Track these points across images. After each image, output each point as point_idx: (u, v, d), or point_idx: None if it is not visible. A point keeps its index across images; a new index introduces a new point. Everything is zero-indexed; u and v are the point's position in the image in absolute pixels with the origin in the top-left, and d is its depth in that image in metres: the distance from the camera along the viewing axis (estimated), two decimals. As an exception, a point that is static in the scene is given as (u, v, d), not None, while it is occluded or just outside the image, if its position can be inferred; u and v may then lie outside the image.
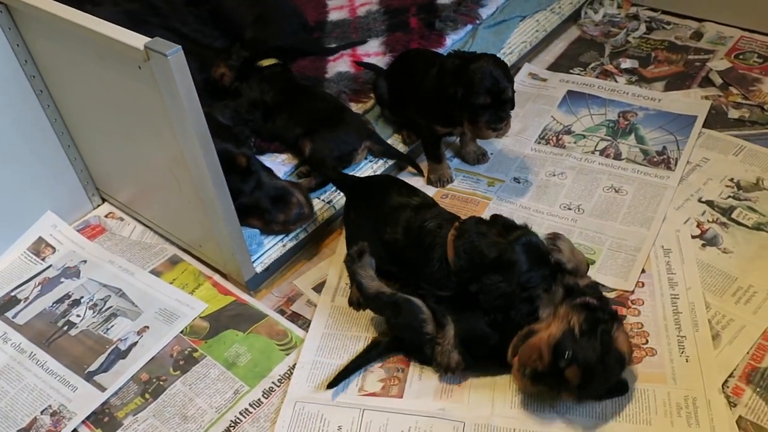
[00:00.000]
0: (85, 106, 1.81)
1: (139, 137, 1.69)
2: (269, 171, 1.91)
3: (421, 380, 1.57)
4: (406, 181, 2.09)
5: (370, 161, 2.10)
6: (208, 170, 1.52)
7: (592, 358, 1.33)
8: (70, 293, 1.86)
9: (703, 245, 1.82)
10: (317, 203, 1.96)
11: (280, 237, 1.87)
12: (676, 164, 2.08)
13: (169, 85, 1.37)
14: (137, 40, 1.38)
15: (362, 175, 2.02)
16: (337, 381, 1.55)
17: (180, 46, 1.33)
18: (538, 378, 1.37)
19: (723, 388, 1.48)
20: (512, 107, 1.85)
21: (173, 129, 1.49)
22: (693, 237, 1.84)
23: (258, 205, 1.82)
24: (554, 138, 2.24)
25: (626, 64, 2.55)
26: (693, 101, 2.33)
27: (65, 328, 1.77)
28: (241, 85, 2.17)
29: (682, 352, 1.56)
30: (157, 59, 1.35)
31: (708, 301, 1.67)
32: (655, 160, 2.11)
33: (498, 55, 2.08)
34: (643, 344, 1.59)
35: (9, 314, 1.81)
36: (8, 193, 1.90)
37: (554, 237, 1.51)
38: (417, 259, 1.52)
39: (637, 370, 1.53)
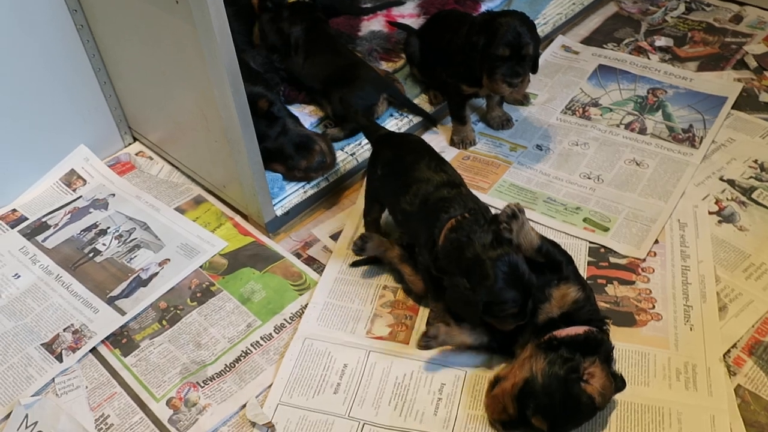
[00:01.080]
0: (122, 42, 1.86)
1: (173, 74, 1.74)
2: (295, 119, 1.94)
3: (428, 328, 1.61)
4: (429, 138, 2.15)
5: (395, 118, 2.12)
6: (236, 109, 1.56)
7: (556, 407, 1.30)
8: (97, 223, 1.93)
9: (720, 222, 1.82)
10: (340, 155, 1.99)
11: (302, 184, 1.91)
12: (701, 142, 2.07)
13: (204, 20, 1.41)
14: (176, -27, 1.42)
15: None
16: (359, 263, 1.76)
17: (217, -17, 1.37)
18: (510, 426, 1.36)
19: (724, 358, 1.50)
20: (534, 69, 1.85)
21: (206, 65, 1.53)
22: (710, 213, 1.84)
23: (282, 150, 1.86)
24: (581, 109, 2.24)
25: (661, 42, 2.53)
26: (725, 83, 2.31)
27: (91, 255, 1.84)
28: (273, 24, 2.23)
29: (687, 321, 1.58)
30: (193, -7, 1.39)
31: (718, 275, 1.68)
32: (680, 137, 2.10)
33: (530, 22, 2.08)
34: (649, 309, 1.61)
35: (39, 238, 1.89)
36: (44, 124, 1.97)
37: (512, 214, 1.41)
38: (419, 230, 1.56)
39: (641, 333, 1.56)
